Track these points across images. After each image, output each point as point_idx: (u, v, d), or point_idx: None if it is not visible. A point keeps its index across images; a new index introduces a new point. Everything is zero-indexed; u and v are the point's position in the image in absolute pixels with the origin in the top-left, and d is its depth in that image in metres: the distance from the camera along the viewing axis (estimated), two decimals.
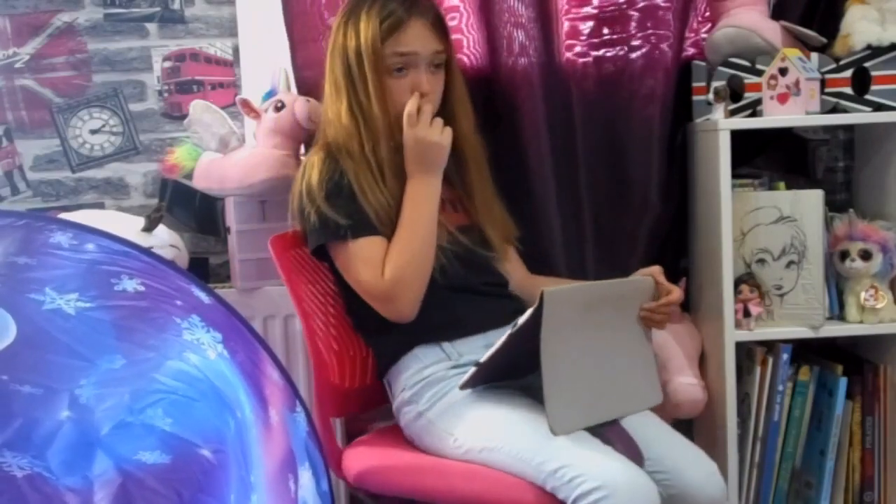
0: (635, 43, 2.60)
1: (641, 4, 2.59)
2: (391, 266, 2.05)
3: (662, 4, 2.58)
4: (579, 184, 2.63)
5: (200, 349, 1.71)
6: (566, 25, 2.62)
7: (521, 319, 1.88)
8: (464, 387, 2.02)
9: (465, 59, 2.59)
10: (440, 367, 2.10)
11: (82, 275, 1.75)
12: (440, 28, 2.20)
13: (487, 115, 2.53)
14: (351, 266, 2.08)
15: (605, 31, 2.62)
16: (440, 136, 2.12)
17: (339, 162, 2.11)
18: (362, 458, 2.14)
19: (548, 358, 1.84)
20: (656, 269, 2.11)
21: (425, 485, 2.04)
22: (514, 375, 2.03)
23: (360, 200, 2.08)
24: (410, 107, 2.11)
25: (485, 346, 2.11)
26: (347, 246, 2.07)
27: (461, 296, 2.16)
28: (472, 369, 2.01)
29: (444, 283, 2.12)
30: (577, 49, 2.63)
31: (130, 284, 1.77)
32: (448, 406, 2.06)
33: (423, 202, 2.11)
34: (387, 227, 2.09)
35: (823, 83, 2.47)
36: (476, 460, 1.98)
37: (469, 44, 2.59)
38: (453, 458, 2.02)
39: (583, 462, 1.83)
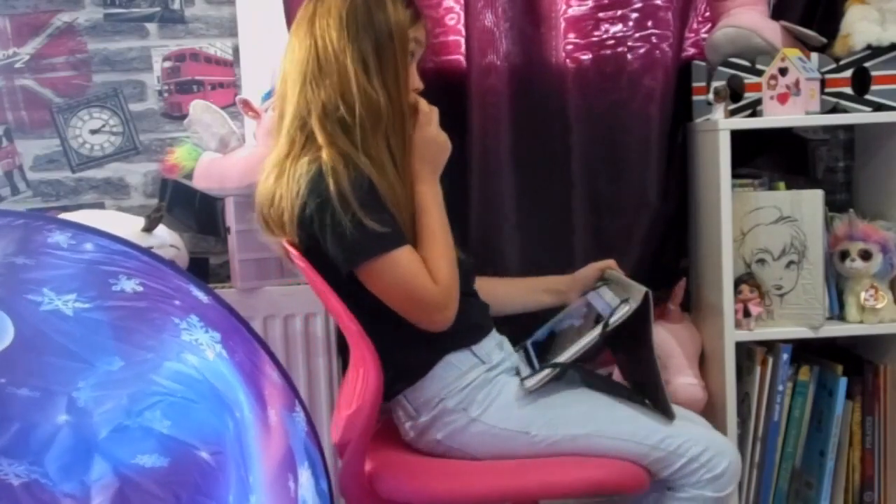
0: (635, 43, 2.60)
1: (641, 4, 2.60)
2: (441, 272, 1.95)
3: (662, 4, 2.58)
4: (575, 182, 2.64)
5: (199, 349, 1.71)
6: (565, 24, 2.62)
7: (614, 319, 1.99)
8: (536, 387, 2.02)
9: (463, 59, 2.59)
10: (479, 371, 2.05)
11: (81, 275, 1.74)
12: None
13: (483, 114, 2.54)
14: (400, 277, 1.93)
15: (605, 30, 2.62)
16: (446, 138, 2.08)
17: (357, 163, 1.93)
18: (422, 483, 2.04)
19: (655, 350, 2.02)
20: (613, 262, 2.33)
21: (527, 484, 2.00)
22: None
23: (388, 205, 1.95)
24: (427, 105, 2.05)
25: (497, 344, 2.14)
26: (391, 257, 1.92)
27: (467, 299, 2.13)
28: (548, 370, 2.02)
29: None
30: (576, 48, 2.63)
31: (129, 284, 1.76)
32: (508, 406, 2.03)
33: (439, 205, 2.03)
34: (408, 232, 1.99)
35: (823, 83, 2.47)
36: (564, 450, 1.99)
37: (466, 44, 2.58)
38: (528, 454, 2.01)
39: (680, 431, 1.99)
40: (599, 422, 2.01)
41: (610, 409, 2.04)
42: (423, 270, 1.94)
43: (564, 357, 2.02)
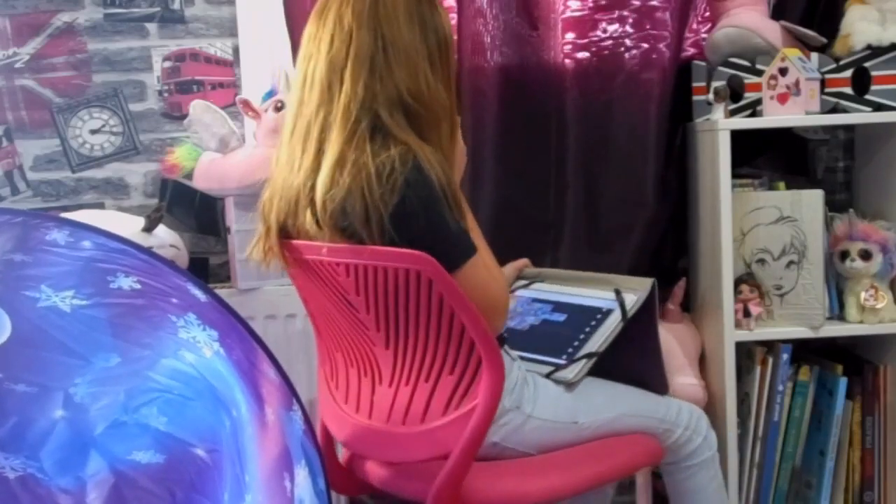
0: (633, 43, 2.60)
1: (639, 4, 2.60)
2: (500, 274, 1.90)
3: (660, 4, 2.58)
4: (572, 182, 2.64)
5: (196, 347, 1.71)
6: (563, 25, 2.62)
7: (631, 308, 2.11)
8: (578, 377, 2.05)
9: (461, 59, 2.59)
10: (516, 369, 2.01)
11: (78, 272, 1.74)
12: None
13: (480, 113, 2.54)
14: (482, 279, 1.82)
15: (603, 30, 2.62)
16: None
17: (441, 159, 1.80)
18: (507, 485, 1.94)
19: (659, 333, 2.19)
20: (528, 261, 2.40)
21: (598, 470, 2.02)
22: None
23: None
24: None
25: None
26: (476, 258, 1.82)
27: None
28: (585, 361, 2.06)
29: None
30: (575, 48, 2.63)
31: (126, 282, 1.76)
32: (553, 399, 2.02)
33: (468, 209, 1.94)
34: None
35: (823, 83, 2.47)
36: (601, 434, 2.04)
37: (465, 44, 2.58)
38: (573, 443, 2.02)
39: (670, 402, 2.16)
40: (622, 402, 2.09)
41: (623, 389, 2.12)
42: (490, 272, 1.87)
43: (596, 347, 2.07)
